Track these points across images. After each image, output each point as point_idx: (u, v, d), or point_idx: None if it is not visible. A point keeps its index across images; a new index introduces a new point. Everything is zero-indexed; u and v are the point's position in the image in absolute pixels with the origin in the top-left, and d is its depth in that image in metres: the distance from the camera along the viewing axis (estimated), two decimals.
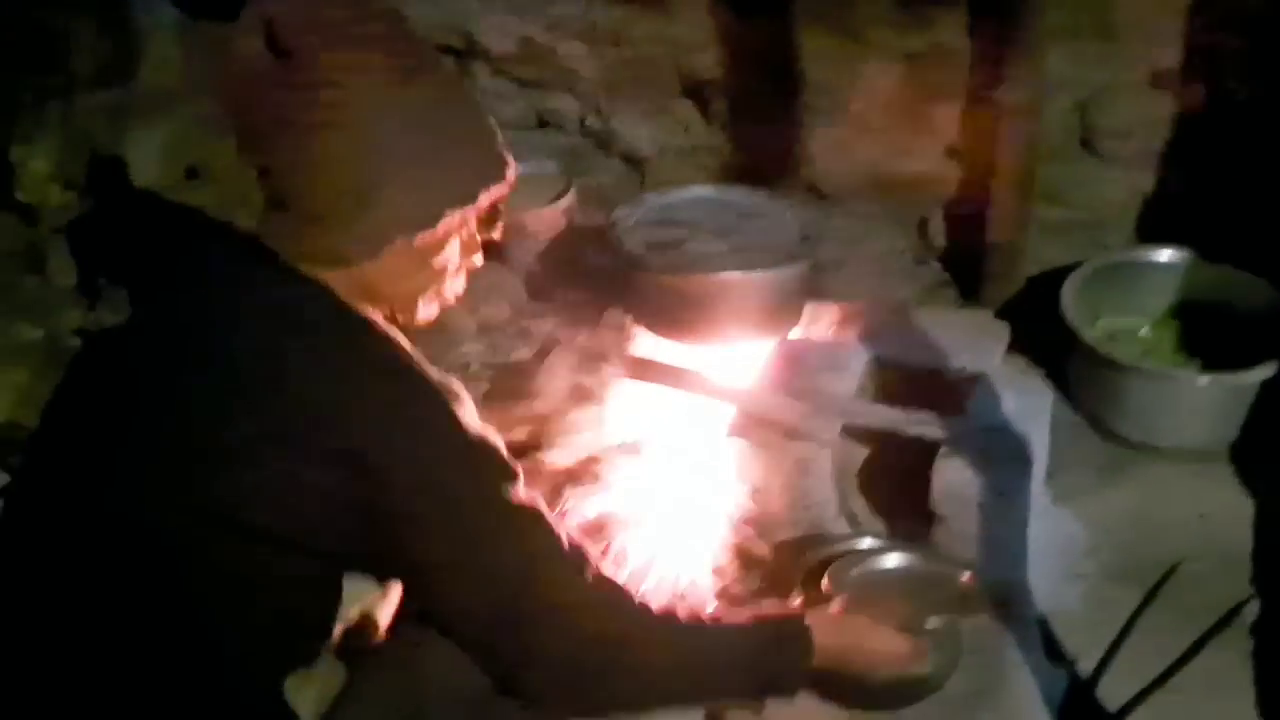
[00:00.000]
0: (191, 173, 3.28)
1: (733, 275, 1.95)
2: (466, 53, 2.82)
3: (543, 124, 2.86)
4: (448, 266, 1.27)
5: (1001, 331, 2.14)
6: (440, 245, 1.24)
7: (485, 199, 1.24)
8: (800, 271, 2.03)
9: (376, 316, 1.25)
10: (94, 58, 3.40)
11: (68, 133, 3.15)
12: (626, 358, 2.04)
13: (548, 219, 2.56)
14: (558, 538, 1.22)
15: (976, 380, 1.95)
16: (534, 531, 1.20)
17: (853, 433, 1.98)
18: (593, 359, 2.07)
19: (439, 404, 1.16)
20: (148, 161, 3.15)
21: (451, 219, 1.21)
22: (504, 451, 1.21)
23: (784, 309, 2.05)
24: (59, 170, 3.12)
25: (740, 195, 2.20)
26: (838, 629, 1.42)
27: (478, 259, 1.31)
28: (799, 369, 2.01)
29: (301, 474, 1.10)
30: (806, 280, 2.08)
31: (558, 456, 1.82)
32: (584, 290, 2.44)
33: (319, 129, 1.13)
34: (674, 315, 2.01)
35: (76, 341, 2.59)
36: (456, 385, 1.22)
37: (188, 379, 1.16)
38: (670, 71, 2.69)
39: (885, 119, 2.54)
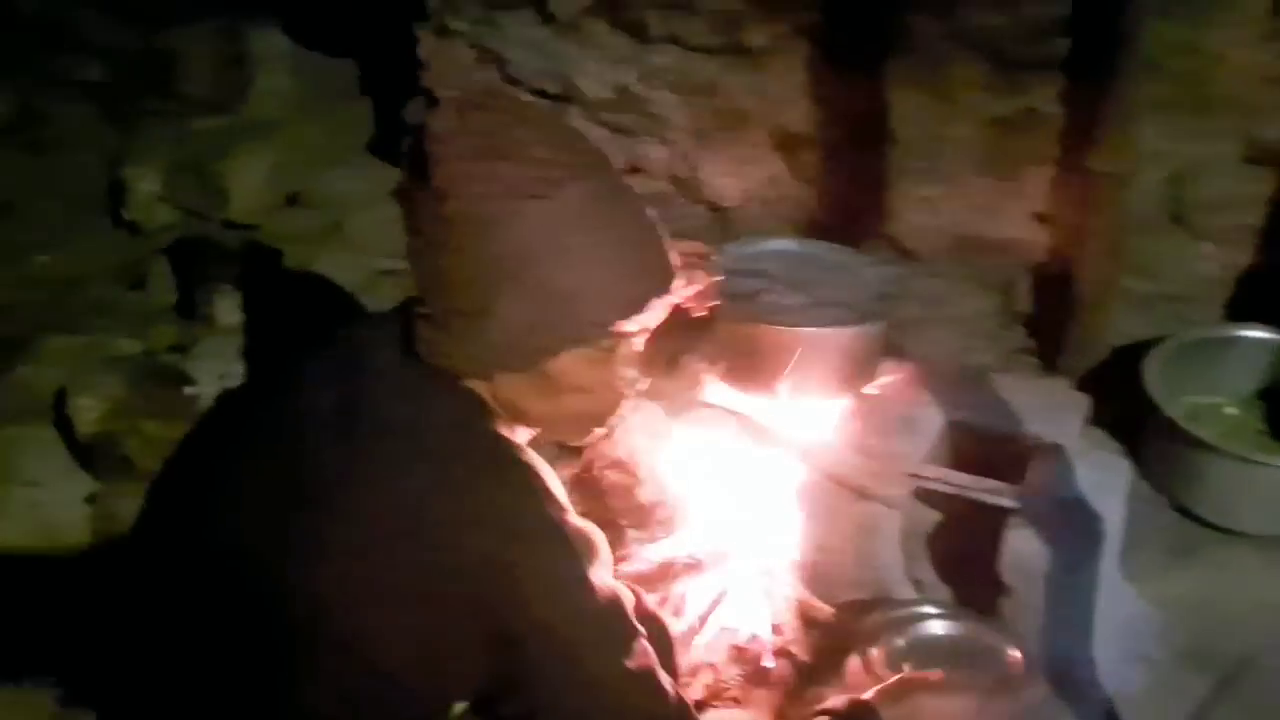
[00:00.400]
0: (291, 199, 3.38)
1: (808, 330, 1.95)
2: (563, 98, 2.88)
3: (633, 170, 2.90)
4: (597, 389, 1.22)
5: (1081, 403, 2.11)
6: (578, 368, 1.19)
7: (629, 319, 1.18)
8: (877, 330, 2.02)
9: (523, 436, 1.24)
10: (207, 84, 3.54)
11: (177, 155, 3.27)
12: (699, 405, 2.05)
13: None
14: (666, 697, 1.25)
15: (1053, 450, 1.92)
16: (646, 695, 1.23)
17: (923, 496, 1.96)
18: (665, 403, 2.09)
19: (578, 570, 1.15)
20: (250, 186, 3.26)
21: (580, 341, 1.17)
22: (629, 612, 1.23)
23: (859, 366, 2.04)
24: (166, 191, 3.25)
25: (822, 249, 2.21)
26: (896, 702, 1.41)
27: (635, 380, 1.26)
28: (871, 427, 2.01)
29: (435, 621, 1.11)
30: (883, 338, 2.08)
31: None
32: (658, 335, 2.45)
33: (441, 241, 1.13)
34: (747, 366, 2.01)
35: (171, 357, 2.68)
36: (595, 534, 1.21)
37: (323, 489, 1.13)
38: (760, 124, 2.71)
39: (974, 181, 2.54)
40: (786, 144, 2.71)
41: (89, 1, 3.65)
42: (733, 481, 1.95)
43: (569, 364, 1.18)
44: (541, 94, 2.89)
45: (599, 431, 1.33)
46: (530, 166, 1.11)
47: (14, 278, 3.06)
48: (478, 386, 1.19)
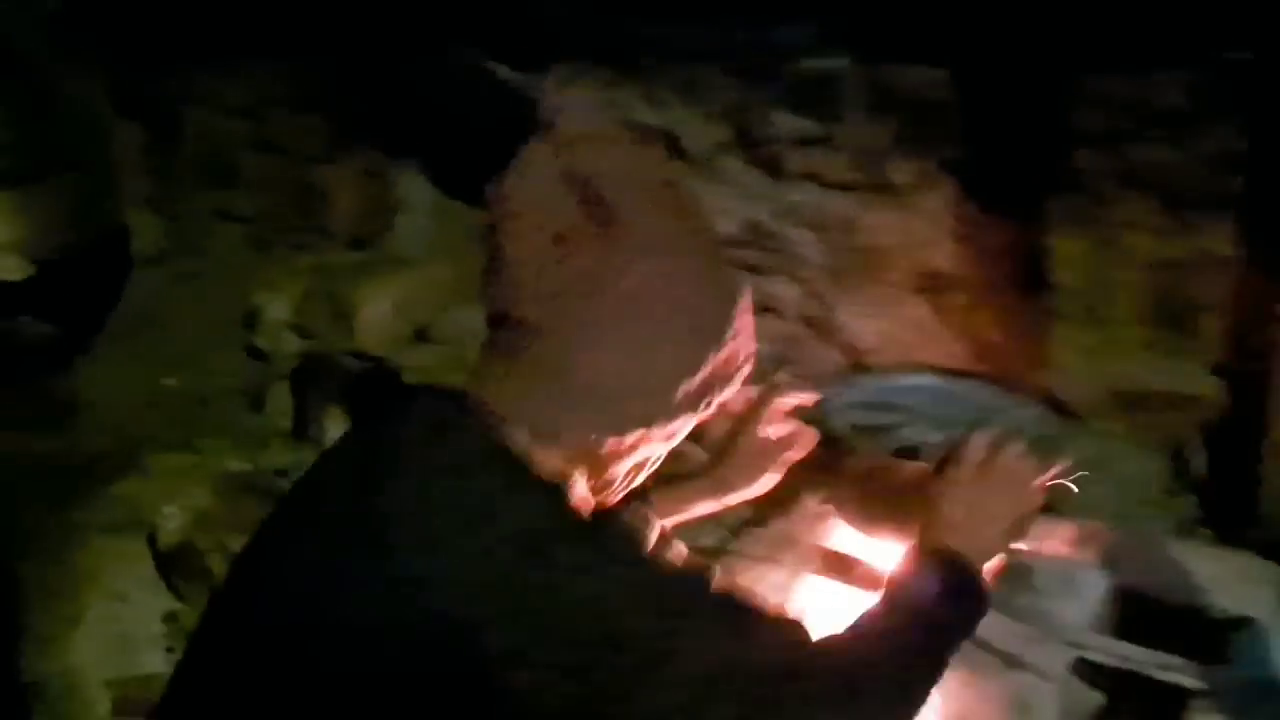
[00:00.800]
0: (419, 334, 3.36)
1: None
2: None
3: (763, 310, 2.77)
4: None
5: (1273, 574, 1.82)
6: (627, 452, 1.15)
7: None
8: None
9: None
10: (349, 220, 3.60)
11: (310, 285, 3.29)
12: (820, 551, 1.84)
13: (740, 394, 2.41)
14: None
15: (1244, 624, 1.64)
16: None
17: (1084, 670, 1.68)
18: (782, 549, 1.88)
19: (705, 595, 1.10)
20: (378, 318, 3.25)
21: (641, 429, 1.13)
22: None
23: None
24: (296, 318, 3.26)
25: (968, 388, 2.00)
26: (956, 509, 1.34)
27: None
28: (1024, 587, 1.75)
29: None
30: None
31: None
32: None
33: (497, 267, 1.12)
34: (879, 508, 1.80)
35: (279, 480, 2.60)
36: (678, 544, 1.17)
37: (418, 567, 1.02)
38: (903, 263, 2.56)
39: (1141, 329, 2.31)
40: (931, 285, 2.54)
41: (246, 139, 3.78)
42: None
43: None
44: None
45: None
46: (607, 212, 1.05)
47: (140, 396, 3.07)
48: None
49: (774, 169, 2.65)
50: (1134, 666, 1.61)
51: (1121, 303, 2.31)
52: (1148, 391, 2.34)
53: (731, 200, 2.70)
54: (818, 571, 1.82)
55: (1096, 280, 2.33)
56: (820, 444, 1.73)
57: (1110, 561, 1.83)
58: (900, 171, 2.51)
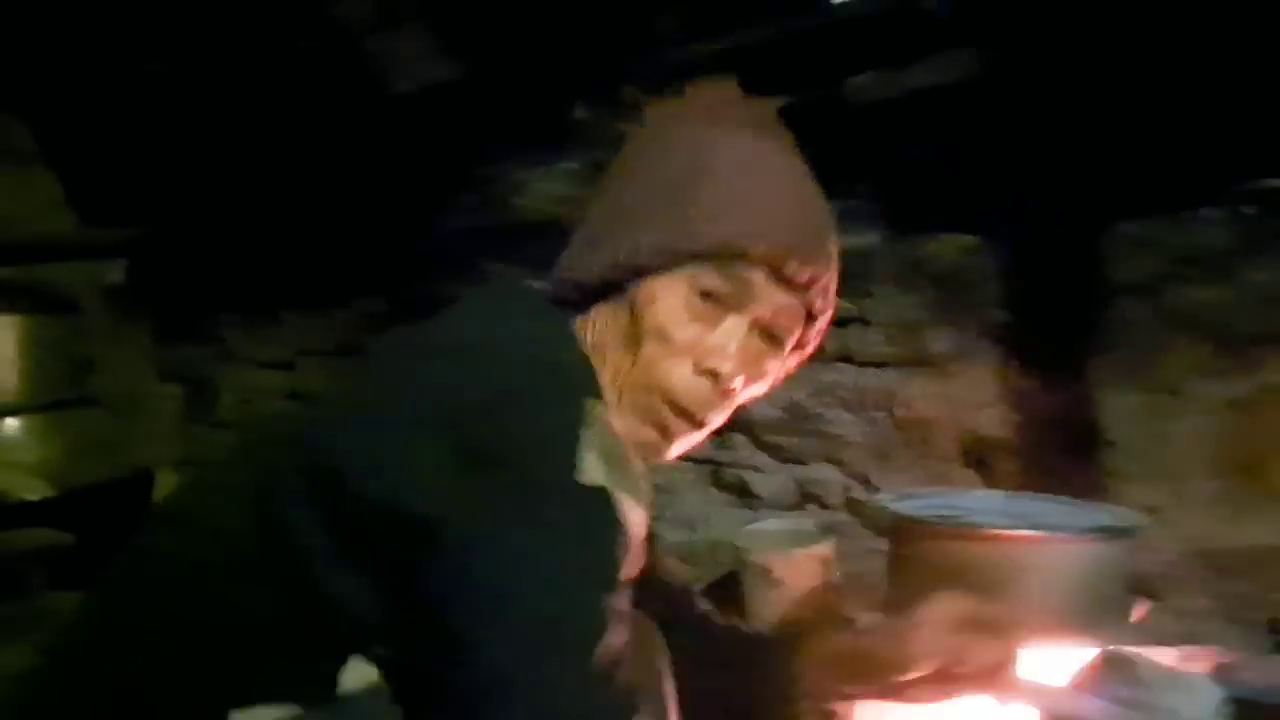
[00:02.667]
0: None
1: (1036, 536, 1.56)
2: (727, 426, 2.70)
3: (805, 499, 2.63)
4: (678, 340, 0.98)
5: None
6: (649, 305, 0.98)
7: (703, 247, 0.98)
8: (1128, 552, 1.60)
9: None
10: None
11: None
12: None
13: (800, 566, 2.23)
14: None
15: None
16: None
17: None
18: None
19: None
20: None
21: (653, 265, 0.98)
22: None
23: (1105, 602, 1.60)
24: None
25: (1037, 504, 1.84)
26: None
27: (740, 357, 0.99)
28: (1129, 680, 1.52)
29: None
30: (1132, 568, 1.64)
31: None
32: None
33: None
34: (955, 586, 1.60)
35: None
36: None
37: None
38: (948, 434, 2.45)
39: (1211, 482, 2.16)
40: (979, 454, 2.42)
41: (280, 390, 3.79)
42: None
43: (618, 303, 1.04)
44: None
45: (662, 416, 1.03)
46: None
47: None
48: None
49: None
50: None
51: (1185, 453, 2.18)
52: (1227, 550, 2.15)
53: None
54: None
55: (1155, 434, 2.21)
56: None
57: (1221, 674, 1.60)
58: (938, 342, 2.46)
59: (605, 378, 0.97)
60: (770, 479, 2.65)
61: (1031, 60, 2.28)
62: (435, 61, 2.54)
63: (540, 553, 0.79)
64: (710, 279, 0.97)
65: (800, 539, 2.32)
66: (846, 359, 2.57)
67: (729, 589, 2.40)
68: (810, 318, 1.05)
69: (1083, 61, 2.20)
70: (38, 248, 3.17)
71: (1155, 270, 2.20)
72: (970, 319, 2.42)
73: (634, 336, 0.96)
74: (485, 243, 3.01)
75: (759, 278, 0.98)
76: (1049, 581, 1.57)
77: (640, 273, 0.98)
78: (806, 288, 1.01)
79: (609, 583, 0.80)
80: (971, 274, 2.42)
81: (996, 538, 1.56)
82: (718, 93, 1.09)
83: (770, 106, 1.09)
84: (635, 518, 0.85)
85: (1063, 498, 1.84)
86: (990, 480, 2.40)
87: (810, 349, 1.10)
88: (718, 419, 1.02)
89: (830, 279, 1.04)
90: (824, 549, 2.27)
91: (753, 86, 2.55)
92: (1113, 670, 1.54)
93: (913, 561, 1.67)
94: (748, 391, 1.04)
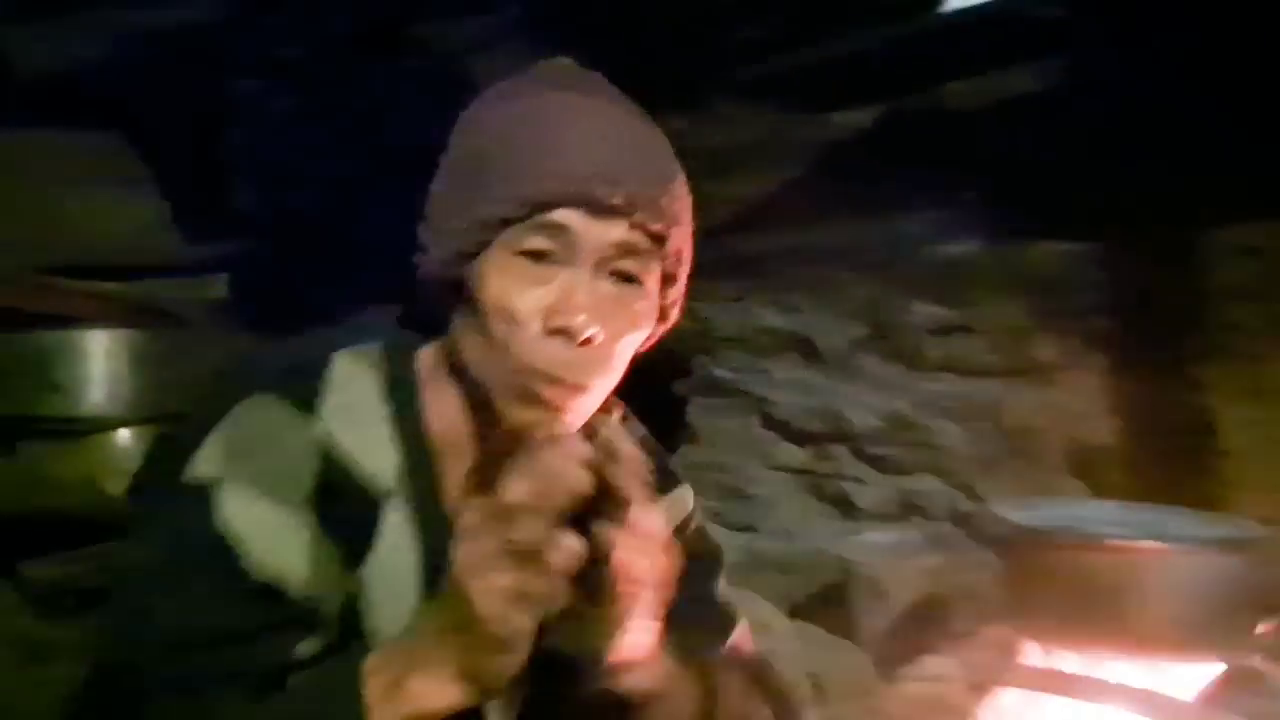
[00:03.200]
0: None
1: (1160, 548, 1.54)
2: (826, 437, 2.70)
3: (906, 509, 2.61)
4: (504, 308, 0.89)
5: None
6: (482, 288, 0.90)
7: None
8: (1252, 564, 1.57)
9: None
10: None
11: None
12: (1016, 667, 1.60)
13: (908, 578, 2.22)
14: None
15: None
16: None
17: None
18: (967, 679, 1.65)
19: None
20: None
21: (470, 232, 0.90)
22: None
23: (1230, 611, 1.57)
24: None
25: (1156, 515, 1.81)
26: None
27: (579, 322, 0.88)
28: (1259, 692, 1.49)
29: None
30: (1256, 590, 1.61)
31: None
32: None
33: None
34: (1078, 612, 1.58)
35: None
36: None
37: None
38: (1055, 444, 2.42)
39: None
40: (1087, 463, 2.38)
41: None
42: None
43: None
44: (806, 435, 2.73)
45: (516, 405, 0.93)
46: None
47: None
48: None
49: (912, 361, 2.60)
50: None
51: None
52: None
53: (870, 395, 2.63)
54: (1016, 685, 1.57)
55: (1273, 439, 2.16)
56: None
57: None
58: (1043, 349, 2.44)
59: (480, 376, 0.91)
60: (872, 490, 2.63)
61: (1136, 65, 2.25)
62: None
63: (139, 554, 0.89)
64: (529, 239, 0.89)
65: (905, 551, 2.32)
66: (950, 368, 2.55)
67: (832, 602, 2.40)
68: (657, 240, 0.92)
69: (1190, 65, 2.16)
70: (145, 265, 3.27)
71: (1265, 275, 2.15)
72: (1076, 326, 2.39)
73: (483, 325, 0.90)
74: None
75: (575, 219, 0.89)
76: (1173, 594, 1.55)
77: (464, 259, 0.91)
78: (629, 210, 0.89)
79: (181, 573, 0.85)
80: (1076, 280, 2.39)
81: (1119, 549, 1.54)
82: (531, 70, 1.00)
83: (589, 72, 1.01)
84: (257, 510, 0.86)
85: (1181, 508, 1.81)
86: (1099, 490, 2.36)
87: (681, 279, 0.97)
88: (601, 377, 0.92)
89: (660, 196, 0.91)
90: (932, 560, 2.26)
91: (844, 97, 2.55)
92: (1240, 684, 1.51)
93: (1031, 574, 1.65)
94: (628, 339, 0.92)
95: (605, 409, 0.97)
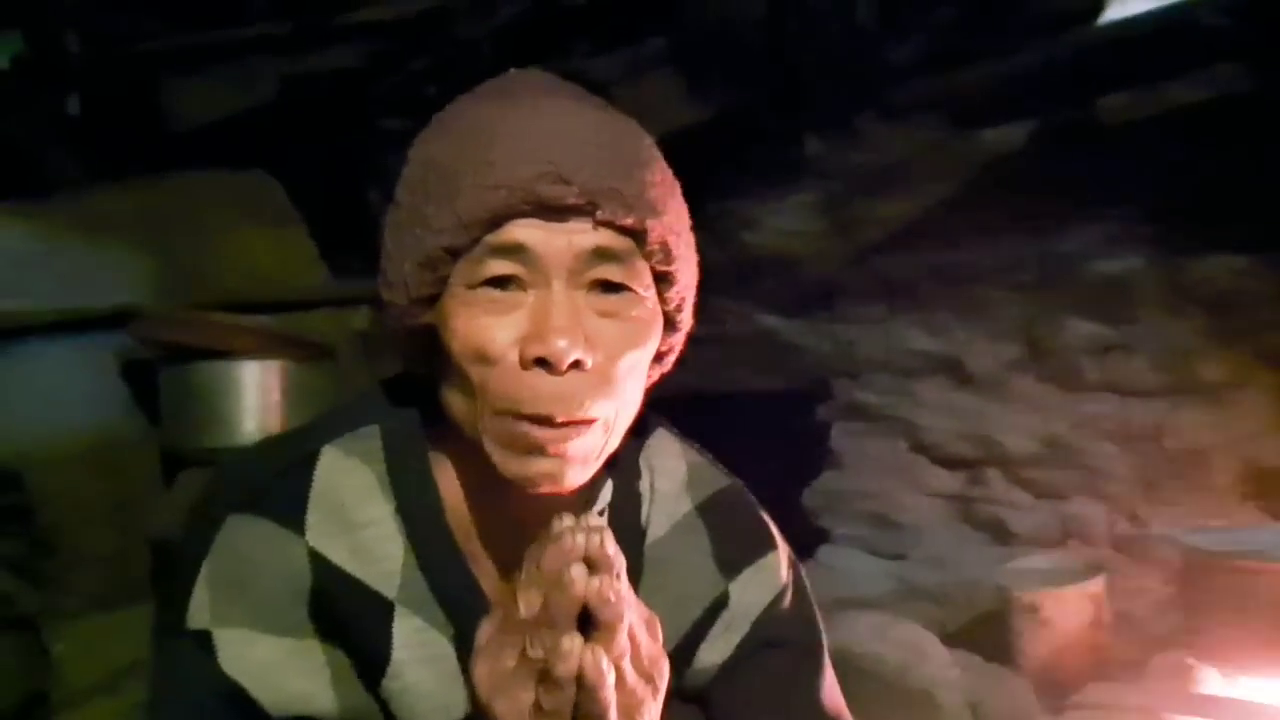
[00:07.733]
0: None
1: None
2: (979, 461, 2.62)
3: (1066, 537, 2.51)
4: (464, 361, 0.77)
5: None
6: (450, 330, 0.77)
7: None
8: None
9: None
10: None
11: None
12: (1192, 695, 1.52)
13: (1070, 604, 2.13)
14: None
15: None
16: None
17: None
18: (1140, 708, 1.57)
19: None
20: None
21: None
22: None
23: None
24: None
25: None
26: None
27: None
28: None
29: None
30: None
31: None
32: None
33: None
34: (1258, 636, 1.49)
35: None
36: None
37: None
38: (1224, 466, 2.30)
39: None
40: (1261, 485, 2.26)
41: None
42: None
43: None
44: (957, 459, 2.66)
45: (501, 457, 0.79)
46: None
47: None
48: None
49: (1069, 381, 2.52)
50: None
51: None
52: None
53: (1026, 417, 2.55)
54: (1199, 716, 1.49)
55: None
56: None
57: None
58: (1210, 368, 2.33)
59: (472, 435, 0.78)
60: (1028, 515, 2.55)
61: None
62: (679, 106, 2.58)
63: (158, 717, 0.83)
64: (485, 267, 0.76)
65: (1066, 577, 2.22)
66: (1110, 388, 2.46)
67: (990, 629, 2.31)
68: (634, 236, 0.77)
69: None
70: (297, 300, 3.40)
71: None
72: (1245, 344, 2.28)
73: (460, 374, 0.78)
74: (716, 281, 3.03)
75: (530, 232, 0.76)
76: None
77: (423, 305, 0.80)
78: (589, 208, 0.75)
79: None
80: (1245, 296, 2.29)
81: None
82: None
83: (544, 75, 0.87)
84: (259, 650, 0.80)
85: None
86: (1274, 514, 2.24)
87: (681, 278, 0.82)
88: (602, 407, 0.77)
89: (624, 187, 0.76)
90: (1094, 586, 2.16)
91: (997, 114, 2.49)
92: None
93: (1209, 598, 1.57)
94: (630, 357, 0.78)
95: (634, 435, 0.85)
